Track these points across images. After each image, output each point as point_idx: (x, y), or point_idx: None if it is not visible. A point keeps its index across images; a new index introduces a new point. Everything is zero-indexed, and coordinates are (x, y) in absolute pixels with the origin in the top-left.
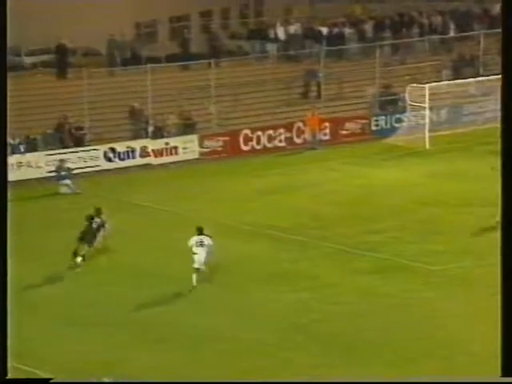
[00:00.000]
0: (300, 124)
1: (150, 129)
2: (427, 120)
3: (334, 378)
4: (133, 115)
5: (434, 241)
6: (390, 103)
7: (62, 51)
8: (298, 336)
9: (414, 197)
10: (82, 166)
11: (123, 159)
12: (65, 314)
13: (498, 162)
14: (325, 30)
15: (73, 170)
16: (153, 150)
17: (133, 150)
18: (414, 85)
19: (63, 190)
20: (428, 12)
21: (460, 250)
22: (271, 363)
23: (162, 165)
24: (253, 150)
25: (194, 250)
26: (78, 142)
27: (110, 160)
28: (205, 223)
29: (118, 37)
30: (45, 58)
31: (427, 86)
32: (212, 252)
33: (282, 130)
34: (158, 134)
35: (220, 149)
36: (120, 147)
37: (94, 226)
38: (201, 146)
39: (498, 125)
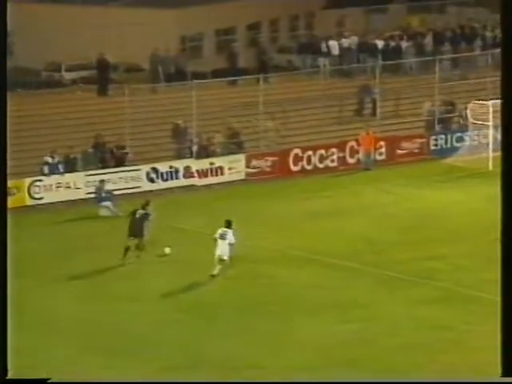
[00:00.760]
0: (353, 143)
1: (195, 148)
2: (491, 139)
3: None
4: (176, 133)
5: (496, 269)
6: (451, 121)
7: (103, 66)
8: (349, 371)
9: (476, 222)
10: (123, 186)
11: (166, 180)
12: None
13: None
14: (380, 44)
15: (113, 191)
16: (197, 171)
17: (176, 171)
18: (477, 101)
19: (103, 212)
20: (491, 24)
21: None
22: None
23: (206, 186)
24: (303, 171)
25: (218, 241)
26: (120, 162)
27: (152, 181)
28: (251, 249)
29: (161, 51)
30: (85, 73)
31: (490, 102)
32: (233, 246)
33: (334, 150)
34: (203, 153)
35: (268, 169)
36: (163, 167)
37: (137, 216)
38: (248, 166)
39: None
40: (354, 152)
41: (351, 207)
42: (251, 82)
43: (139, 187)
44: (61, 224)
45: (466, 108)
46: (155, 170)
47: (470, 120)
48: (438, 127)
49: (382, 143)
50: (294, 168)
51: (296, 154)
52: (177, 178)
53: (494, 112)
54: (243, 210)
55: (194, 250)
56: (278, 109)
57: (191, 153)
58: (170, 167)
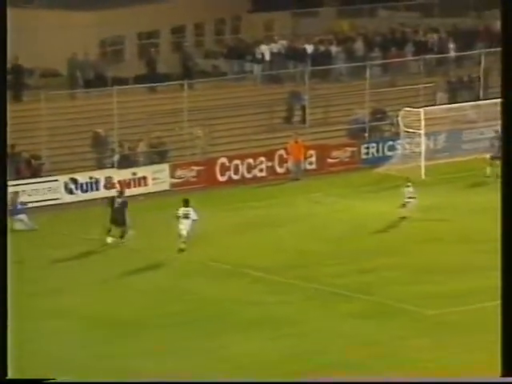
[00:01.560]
0: (282, 152)
1: (116, 157)
2: (423, 147)
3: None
4: (96, 142)
5: (429, 281)
6: (382, 129)
7: (16, 71)
8: None
9: (408, 233)
10: (39, 199)
11: (86, 191)
12: None
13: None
14: (310, 48)
15: (30, 203)
16: (119, 181)
17: (96, 181)
18: (408, 109)
19: (18, 226)
20: (423, 29)
21: (459, 292)
22: None
23: (129, 197)
24: (230, 181)
25: (181, 220)
26: (35, 173)
27: (71, 192)
28: (174, 262)
29: (80, 55)
30: None
31: (422, 110)
32: (196, 222)
33: (262, 159)
34: (125, 163)
35: (194, 179)
36: (82, 178)
37: (117, 205)
38: (172, 176)
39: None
40: (283, 161)
41: (281, 218)
42: (175, 89)
43: (58, 199)
44: None
45: (397, 115)
46: (74, 180)
47: (402, 128)
48: (369, 135)
49: (312, 152)
50: (220, 178)
51: (223, 164)
52: (97, 189)
53: (427, 120)
54: (166, 222)
55: (110, 261)
56: (204, 116)
57: (112, 162)
58: (90, 178)
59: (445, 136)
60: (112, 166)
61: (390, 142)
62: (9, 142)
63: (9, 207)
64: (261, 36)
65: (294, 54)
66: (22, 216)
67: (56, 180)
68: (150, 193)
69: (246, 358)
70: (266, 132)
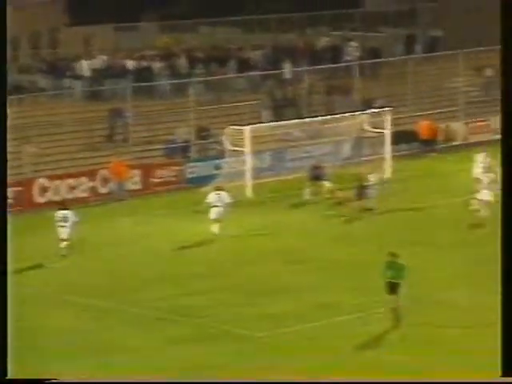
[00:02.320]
0: (105, 171)
1: None
2: (249, 166)
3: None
4: None
5: (257, 303)
6: (207, 148)
7: None
8: None
9: (234, 254)
10: None
11: None
12: None
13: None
14: (131, 64)
15: None
16: None
17: None
18: (233, 127)
19: None
20: (246, 45)
21: (287, 313)
22: None
23: None
24: (50, 203)
25: (61, 223)
26: None
27: None
28: None
29: None
30: None
31: (247, 128)
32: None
33: (84, 179)
34: None
35: (10, 201)
36: None
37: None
38: None
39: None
40: (105, 181)
41: (103, 241)
42: None
43: None
44: None
45: (222, 134)
46: None
47: (228, 146)
48: (194, 154)
49: (136, 171)
50: (39, 199)
51: (41, 184)
52: None
53: (252, 138)
54: None
55: None
56: (19, 134)
57: None
58: None
59: (270, 154)
60: None
61: (216, 161)
62: None
63: None
64: (80, 51)
65: (116, 70)
66: None
67: None
68: None
69: None
70: (88, 151)
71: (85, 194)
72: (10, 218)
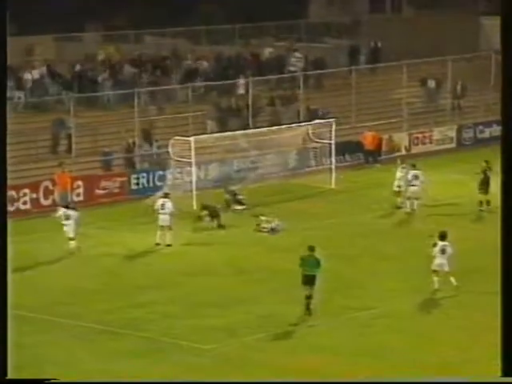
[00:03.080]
0: (48, 183)
1: None
2: (194, 177)
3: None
4: None
5: (204, 315)
6: (152, 158)
7: None
8: None
9: (179, 266)
10: None
11: None
12: None
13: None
14: (74, 75)
15: None
16: None
17: None
18: (178, 137)
19: None
20: (191, 56)
21: (234, 325)
22: None
23: None
24: None
25: (63, 222)
26: None
27: None
28: None
29: None
30: None
31: (193, 138)
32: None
33: (26, 191)
34: None
35: None
36: None
37: None
38: None
39: (273, 181)
40: (49, 193)
41: (46, 253)
42: None
43: None
44: None
45: (167, 144)
46: None
47: (173, 157)
48: (138, 165)
49: (80, 182)
50: None
51: None
52: None
53: (197, 149)
54: None
55: None
56: None
57: None
58: None
59: (216, 165)
60: None
61: (160, 172)
62: None
63: None
64: (22, 61)
65: (58, 80)
66: None
67: None
68: None
69: None
70: (30, 162)
71: (27, 207)
72: None
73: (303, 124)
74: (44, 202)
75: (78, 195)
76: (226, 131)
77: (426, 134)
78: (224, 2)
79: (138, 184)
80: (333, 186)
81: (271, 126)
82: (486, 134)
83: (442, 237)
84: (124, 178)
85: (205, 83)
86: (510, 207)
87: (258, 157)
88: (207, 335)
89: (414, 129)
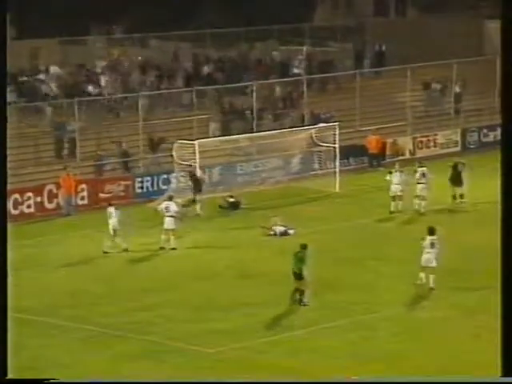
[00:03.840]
0: (52, 187)
1: None
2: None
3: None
4: None
5: (208, 318)
6: (156, 162)
7: None
8: None
9: (183, 269)
10: None
11: None
12: None
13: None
14: (80, 78)
15: None
16: None
17: None
18: (182, 141)
19: None
20: (195, 59)
21: (238, 328)
22: None
23: None
24: None
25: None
26: None
27: None
28: None
29: None
30: None
31: (197, 142)
32: None
33: (30, 194)
34: None
35: None
36: None
37: None
38: None
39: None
40: (52, 196)
41: (51, 257)
42: None
43: None
44: None
45: (172, 148)
46: None
47: (177, 161)
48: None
49: (84, 186)
50: None
51: None
52: None
53: (201, 152)
54: None
55: None
56: None
57: None
58: None
59: (220, 169)
60: None
61: (164, 176)
62: None
63: None
64: (27, 65)
65: (64, 84)
66: None
67: None
68: None
69: None
70: (34, 166)
71: (31, 210)
72: None
73: (307, 128)
74: (48, 206)
75: (83, 198)
76: (230, 135)
77: (431, 138)
78: (229, 5)
79: (142, 188)
80: (337, 190)
81: (275, 130)
82: (491, 138)
83: (431, 231)
84: (128, 182)
85: (209, 87)
86: (510, 208)
87: (261, 160)
88: (211, 339)
89: (419, 132)
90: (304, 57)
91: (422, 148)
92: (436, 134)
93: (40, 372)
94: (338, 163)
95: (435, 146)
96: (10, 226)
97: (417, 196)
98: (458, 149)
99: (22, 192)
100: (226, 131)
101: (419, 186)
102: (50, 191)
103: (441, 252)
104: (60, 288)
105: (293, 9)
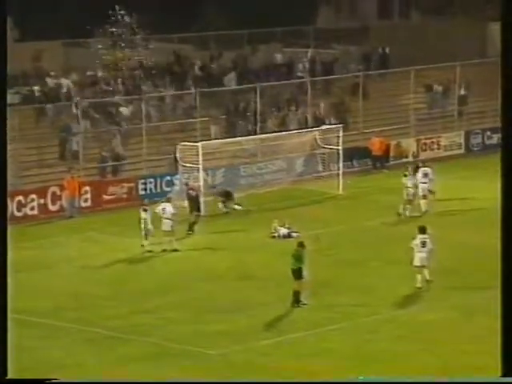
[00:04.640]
0: (56, 189)
1: None
2: (202, 183)
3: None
4: None
5: (210, 320)
6: (160, 164)
7: None
8: None
9: (187, 271)
10: None
11: None
12: None
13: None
14: (84, 81)
15: None
16: None
17: None
18: (186, 143)
19: None
20: (201, 60)
21: (241, 330)
22: None
23: None
24: None
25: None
26: None
27: None
28: None
29: None
30: None
31: (200, 144)
32: None
33: (33, 196)
34: None
35: None
36: None
37: None
38: None
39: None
40: (56, 198)
41: (54, 259)
42: None
43: None
44: None
45: (175, 150)
46: None
47: (180, 163)
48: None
49: (87, 188)
50: None
51: None
52: None
53: (204, 154)
54: None
55: None
56: None
57: None
58: None
59: (223, 171)
60: None
61: (168, 178)
62: None
63: None
64: (29, 67)
65: (67, 87)
66: None
67: None
68: None
69: None
70: (38, 167)
71: (34, 212)
72: None
73: (311, 130)
74: (52, 208)
75: (86, 201)
76: (234, 137)
77: (434, 140)
78: (232, 7)
79: (145, 189)
80: (340, 192)
81: (279, 132)
82: (494, 140)
83: (422, 230)
84: (131, 184)
85: (212, 89)
86: (510, 209)
87: (265, 162)
88: (214, 340)
89: (422, 134)
90: (308, 59)
91: (425, 150)
92: (440, 136)
93: (42, 374)
94: (341, 165)
95: (439, 148)
96: (13, 228)
97: (423, 196)
98: (462, 151)
99: (25, 194)
100: (229, 133)
101: (421, 186)
102: (54, 193)
103: (434, 251)
104: (63, 290)
105: (296, 11)
